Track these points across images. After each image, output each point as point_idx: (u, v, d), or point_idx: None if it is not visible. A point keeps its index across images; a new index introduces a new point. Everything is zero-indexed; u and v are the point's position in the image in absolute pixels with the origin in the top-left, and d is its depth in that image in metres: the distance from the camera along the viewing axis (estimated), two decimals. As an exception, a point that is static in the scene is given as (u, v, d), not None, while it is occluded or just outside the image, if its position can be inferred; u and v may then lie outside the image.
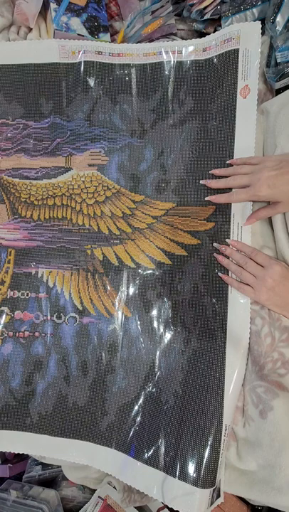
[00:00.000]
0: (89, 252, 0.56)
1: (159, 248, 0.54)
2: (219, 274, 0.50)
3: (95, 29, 0.60)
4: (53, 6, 0.59)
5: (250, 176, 0.45)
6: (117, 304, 0.55)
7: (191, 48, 0.54)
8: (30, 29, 0.63)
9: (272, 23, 0.54)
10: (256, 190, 0.43)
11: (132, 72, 0.56)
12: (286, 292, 0.45)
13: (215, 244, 0.51)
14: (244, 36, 0.50)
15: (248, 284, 0.47)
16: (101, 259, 0.56)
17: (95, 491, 0.64)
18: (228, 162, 0.50)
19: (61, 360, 0.55)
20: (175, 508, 0.46)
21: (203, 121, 0.53)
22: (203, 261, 0.51)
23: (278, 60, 0.55)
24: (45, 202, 0.58)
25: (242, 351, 0.48)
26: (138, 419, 0.51)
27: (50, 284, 0.57)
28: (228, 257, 0.50)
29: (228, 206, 0.50)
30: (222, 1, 0.61)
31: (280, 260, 0.48)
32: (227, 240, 0.50)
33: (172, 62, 0.54)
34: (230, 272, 0.50)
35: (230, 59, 0.51)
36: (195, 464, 0.46)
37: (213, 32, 0.63)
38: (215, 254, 0.50)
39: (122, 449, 0.51)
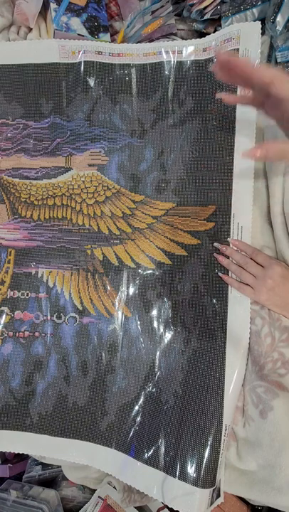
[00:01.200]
0: (89, 252, 0.56)
1: (159, 248, 0.54)
2: (219, 274, 0.50)
3: (95, 29, 0.60)
4: (53, 6, 0.59)
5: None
6: (117, 303, 0.55)
7: (191, 48, 0.53)
8: (30, 29, 0.63)
9: (273, 23, 0.54)
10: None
11: (132, 72, 0.56)
12: (286, 292, 0.45)
13: (215, 244, 0.51)
14: (244, 36, 0.50)
15: (248, 284, 0.47)
16: (101, 259, 0.56)
17: (95, 491, 0.64)
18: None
19: (61, 360, 0.55)
20: (175, 508, 0.46)
21: (203, 121, 0.53)
22: (203, 261, 0.51)
23: (278, 60, 0.55)
24: (45, 202, 0.58)
25: (242, 351, 0.48)
26: (138, 419, 0.51)
27: (50, 284, 0.57)
28: (228, 257, 0.50)
29: (228, 206, 0.50)
30: (222, 1, 0.61)
31: (280, 260, 0.48)
32: (228, 239, 0.50)
33: (172, 62, 0.54)
34: (230, 272, 0.50)
35: (230, 59, 0.51)
36: (195, 463, 0.46)
37: (213, 32, 0.63)
38: (215, 254, 0.50)
39: (122, 449, 0.51)
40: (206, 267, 0.51)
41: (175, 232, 0.53)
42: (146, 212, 0.55)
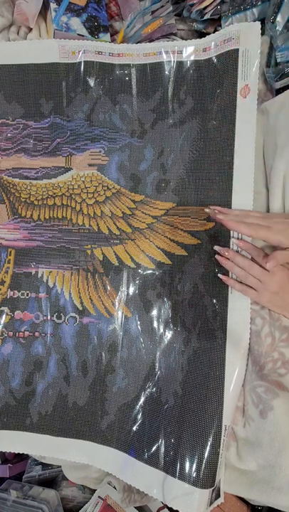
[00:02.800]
0: (89, 252, 0.56)
1: (159, 248, 0.54)
2: (219, 275, 0.49)
3: (95, 29, 0.60)
4: (53, 6, 0.59)
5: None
6: (117, 303, 0.55)
7: (191, 48, 0.53)
8: (30, 29, 0.63)
9: (272, 23, 0.54)
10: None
11: (132, 72, 0.56)
12: (287, 294, 0.45)
13: (216, 247, 0.49)
14: (244, 36, 0.50)
15: (250, 286, 0.47)
16: (101, 259, 0.56)
17: (95, 491, 0.64)
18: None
19: (61, 360, 0.55)
20: (175, 508, 0.46)
21: (203, 121, 0.53)
22: (203, 261, 0.51)
23: (278, 60, 0.55)
24: (45, 202, 0.58)
25: (242, 351, 0.48)
26: (138, 418, 0.51)
27: (50, 284, 0.57)
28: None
29: (228, 206, 0.50)
30: (222, 1, 0.61)
31: None
32: (232, 239, 0.49)
33: (172, 63, 0.54)
34: (230, 273, 0.49)
35: (230, 59, 0.51)
36: (195, 463, 0.46)
37: (213, 32, 0.63)
38: (217, 256, 0.50)
39: (123, 449, 0.51)
40: (206, 267, 0.51)
41: (175, 232, 0.53)
42: (146, 212, 0.55)
